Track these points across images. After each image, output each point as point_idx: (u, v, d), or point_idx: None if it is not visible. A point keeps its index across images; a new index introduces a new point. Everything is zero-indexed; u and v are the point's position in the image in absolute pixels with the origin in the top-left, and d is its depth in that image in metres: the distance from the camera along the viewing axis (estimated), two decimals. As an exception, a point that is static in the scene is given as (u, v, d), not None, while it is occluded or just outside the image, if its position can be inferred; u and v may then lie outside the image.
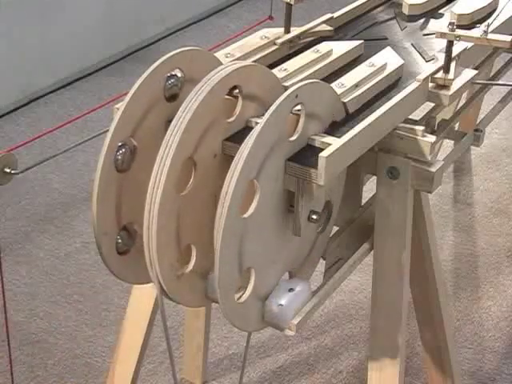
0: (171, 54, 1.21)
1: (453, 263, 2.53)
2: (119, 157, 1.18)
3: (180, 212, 1.16)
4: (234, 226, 1.12)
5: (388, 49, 1.49)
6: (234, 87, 1.20)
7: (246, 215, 1.14)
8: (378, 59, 1.42)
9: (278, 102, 1.13)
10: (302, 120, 1.20)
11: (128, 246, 1.23)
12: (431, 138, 1.33)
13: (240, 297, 1.18)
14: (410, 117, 1.39)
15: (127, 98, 1.17)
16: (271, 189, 1.18)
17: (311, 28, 1.54)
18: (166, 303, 1.20)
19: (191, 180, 1.17)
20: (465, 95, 1.76)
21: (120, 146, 1.18)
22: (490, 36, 1.38)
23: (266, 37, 1.48)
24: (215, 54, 1.35)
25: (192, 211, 1.18)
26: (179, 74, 1.24)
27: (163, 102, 1.22)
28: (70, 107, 3.27)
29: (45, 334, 2.21)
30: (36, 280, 2.41)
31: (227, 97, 1.21)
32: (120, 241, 1.21)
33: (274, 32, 1.51)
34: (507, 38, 1.39)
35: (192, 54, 1.25)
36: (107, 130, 1.18)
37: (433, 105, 1.46)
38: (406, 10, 1.73)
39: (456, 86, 1.40)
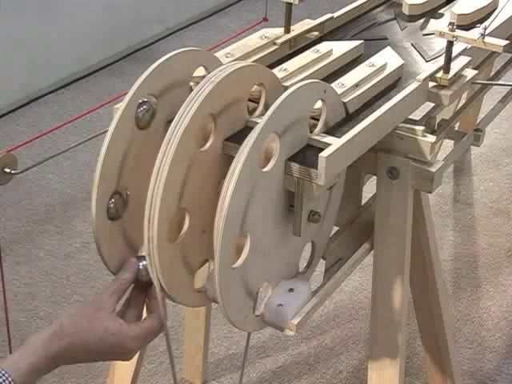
0: (131, 91, 1.22)
1: (453, 263, 2.53)
2: (140, 114, 1.21)
3: (190, 169, 1.16)
4: (230, 275, 1.13)
5: (388, 49, 1.49)
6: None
7: (236, 265, 1.16)
8: (378, 59, 1.42)
9: (303, 82, 1.17)
10: (322, 118, 1.23)
11: (118, 214, 1.23)
12: (431, 138, 1.34)
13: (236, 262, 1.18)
14: (410, 117, 1.39)
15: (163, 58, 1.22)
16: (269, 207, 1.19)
17: (312, 28, 1.55)
18: (165, 303, 1.20)
19: (211, 137, 1.19)
20: (465, 95, 1.76)
21: (141, 103, 1.21)
22: (487, 39, 1.39)
23: (265, 37, 1.49)
24: (215, 54, 1.35)
25: (200, 178, 1.19)
26: (149, 100, 1.26)
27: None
28: (70, 107, 3.27)
29: (45, 334, 2.21)
30: (36, 280, 2.41)
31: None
32: (112, 205, 1.21)
33: (274, 32, 1.51)
34: (502, 42, 1.40)
35: (193, 54, 1.25)
36: (107, 130, 1.19)
37: (433, 105, 1.46)
38: (406, 10, 1.73)
39: (456, 86, 1.40)
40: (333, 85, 1.31)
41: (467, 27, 1.61)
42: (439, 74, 1.39)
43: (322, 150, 1.16)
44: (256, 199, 1.15)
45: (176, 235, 1.19)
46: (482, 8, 1.69)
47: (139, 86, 1.20)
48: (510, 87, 1.89)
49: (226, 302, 1.16)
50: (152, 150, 1.16)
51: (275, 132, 1.14)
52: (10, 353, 1.91)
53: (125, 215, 1.24)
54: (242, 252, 1.18)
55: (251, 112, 1.26)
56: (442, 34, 1.37)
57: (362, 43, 1.51)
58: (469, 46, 1.46)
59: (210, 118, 1.17)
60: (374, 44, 1.55)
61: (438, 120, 1.49)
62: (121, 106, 1.19)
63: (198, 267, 1.25)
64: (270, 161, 1.16)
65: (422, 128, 1.34)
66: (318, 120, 1.25)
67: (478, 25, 1.62)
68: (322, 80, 1.31)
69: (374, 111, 1.28)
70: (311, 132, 1.23)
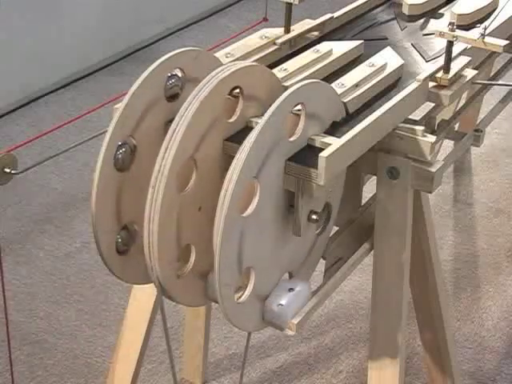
0: (172, 53, 1.22)
1: (453, 263, 2.53)
2: (169, 85, 1.23)
3: (212, 129, 1.18)
4: (233, 224, 1.11)
5: (388, 49, 1.49)
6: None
7: (245, 214, 1.14)
8: (377, 59, 1.42)
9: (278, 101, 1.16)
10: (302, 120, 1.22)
11: (123, 166, 1.23)
12: (431, 138, 1.34)
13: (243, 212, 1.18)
14: (410, 117, 1.39)
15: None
16: (272, 187, 1.18)
17: (312, 28, 1.55)
18: (165, 303, 1.20)
19: (235, 114, 1.22)
20: (465, 95, 1.76)
21: (171, 76, 1.23)
22: (487, 39, 1.39)
23: (265, 37, 1.49)
24: (215, 54, 1.35)
25: (215, 149, 1.21)
26: (180, 74, 1.25)
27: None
28: (70, 107, 3.27)
29: (45, 334, 2.21)
30: (36, 280, 2.41)
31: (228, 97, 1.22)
32: (120, 156, 1.21)
33: (274, 32, 1.51)
34: (502, 42, 1.40)
35: (192, 54, 1.25)
36: (107, 130, 1.19)
37: (433, 105, 1.46)
38: (406, 10, 1.73)
39: (456, 86, 1.40)
40: (333, 85, 1.31)
41: (467, 27, 1.61)
42: (439, 74, 1.39)
43: (322, 149, 1.16)
44: (272, 163, 1.15)
45: (181, 187, 1.19)
46: (482, 8, 1.69)
47: (178, 52, 1.21)
48: (510, 87, 1.89)
49: (223, 251, 1.14)
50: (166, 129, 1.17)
51: (304, 104, 1.16)
52: (10, 353, 1.91)
53: (127, 173, 1.23)
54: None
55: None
56: (442, 34, 1.37)
57: (362, 43, 1.51)
58: (469, 46, 1.46)
59: (238, 97, 1.20)
60: (374, 44, 1.55)
61: (438, 120, 1.49)
62: (156, 62, 1.20)
63: (182, 250, 1.22)
64: (294, 135, 1.18)
65: (422, 128, 1.34)
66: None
67: (478, 25, 1.62)
68: (322, 80, 1.31)
69: (374, 111, 1.28)
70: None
